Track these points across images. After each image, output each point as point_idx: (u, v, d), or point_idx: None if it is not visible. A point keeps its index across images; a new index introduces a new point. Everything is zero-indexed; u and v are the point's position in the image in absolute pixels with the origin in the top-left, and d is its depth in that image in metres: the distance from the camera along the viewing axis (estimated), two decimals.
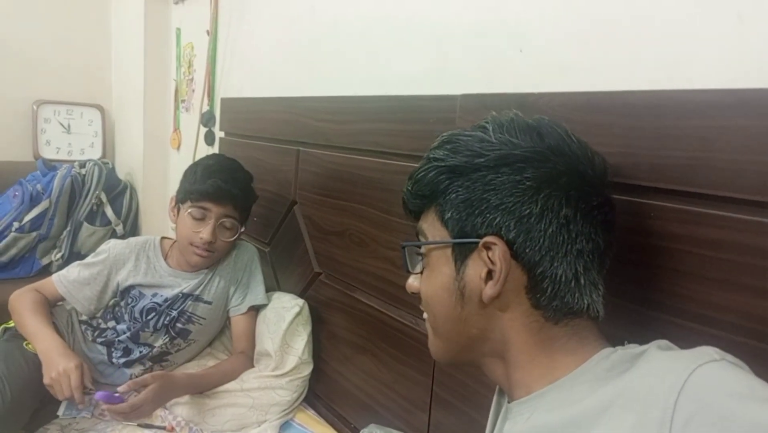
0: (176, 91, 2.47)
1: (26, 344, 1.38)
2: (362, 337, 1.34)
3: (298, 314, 1.47)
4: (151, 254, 1.53)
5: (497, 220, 0.62)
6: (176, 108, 2.48)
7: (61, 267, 2.29)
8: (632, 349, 0.59)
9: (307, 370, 1.47)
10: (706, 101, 0.68)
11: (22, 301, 1.41)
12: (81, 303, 1.48)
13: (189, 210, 1.43)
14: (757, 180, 0.64)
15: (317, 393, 1.50)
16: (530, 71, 0.96)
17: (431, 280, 0.69)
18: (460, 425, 1.07)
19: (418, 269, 0.72)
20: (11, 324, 1.45)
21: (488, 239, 0.62)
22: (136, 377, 1.50)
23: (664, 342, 0.59)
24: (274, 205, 1.68)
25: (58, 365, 1.25)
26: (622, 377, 0.55)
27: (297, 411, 1.46)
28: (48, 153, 2.69)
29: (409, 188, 0.72)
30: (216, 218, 1.43)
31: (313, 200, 1.51)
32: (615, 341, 0.64)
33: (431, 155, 0.69)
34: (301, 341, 1.46)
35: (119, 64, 2.83)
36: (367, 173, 1.29)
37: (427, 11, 1.17)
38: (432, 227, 0.69)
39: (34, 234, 2.33)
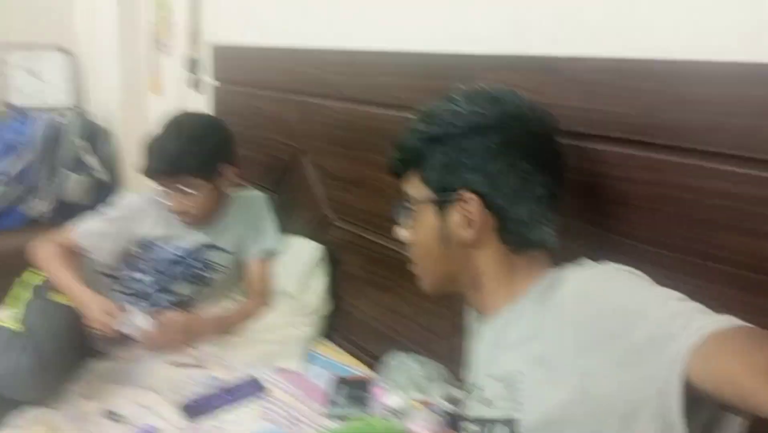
0: (154, 33, 2.40)
1: (53, 295, 1.40)
2: (381, 276, 1.45)
3: (315, 256, 1.56)
4: (164, 205, 1.57)
5: (471, 178, 0.80)
6: (154, 51, 2.42)
7: (51, 218, 2.31)
8: (563, 270, 0.78)
9: (327, 308, 1.58)
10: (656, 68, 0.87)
11: (52, 256, 1.43)
12: (104, 256, 1.52)
13: None
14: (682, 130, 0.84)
15: (337, 329, 1.60)
16: (555, 35, 1.03)
17: (420, 230, 0.88)
18: None
19: (409, 223, 0.89)
20: (36, 280, 1.48)
21: (464, 194, 0.80)
22: None
23: (585, 260, 0.79)
24: (278, 153, 1.72)
25: (93, 309, 1.32)
26: (553, 295, 0.75)
27: (319, 345, 1.56)
28: (18, 100, 2.61)
29: (396, 156, 0.89)
30: (172, 189, 1.48)
31: (323, 150, 1.56)
32: (575, 257, 0.82)
33: (413, 126, 0.86)
34: (319, 282, 1.56)
35: (86, 4, 2.70)
36: (382, 125, 1.35)
37: None
38: (417, 189, 0.86)
39: (18, 186, 2.31)
